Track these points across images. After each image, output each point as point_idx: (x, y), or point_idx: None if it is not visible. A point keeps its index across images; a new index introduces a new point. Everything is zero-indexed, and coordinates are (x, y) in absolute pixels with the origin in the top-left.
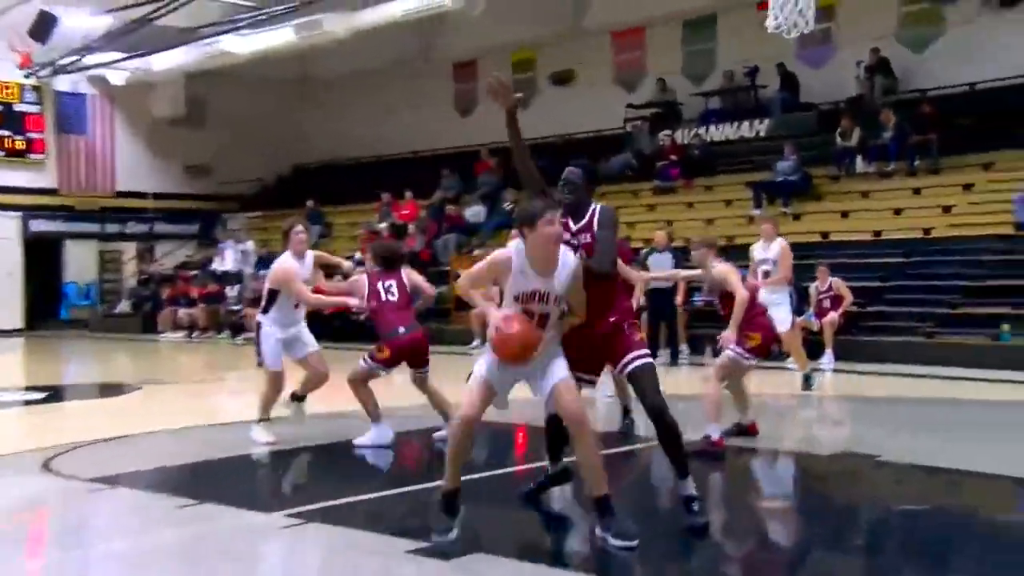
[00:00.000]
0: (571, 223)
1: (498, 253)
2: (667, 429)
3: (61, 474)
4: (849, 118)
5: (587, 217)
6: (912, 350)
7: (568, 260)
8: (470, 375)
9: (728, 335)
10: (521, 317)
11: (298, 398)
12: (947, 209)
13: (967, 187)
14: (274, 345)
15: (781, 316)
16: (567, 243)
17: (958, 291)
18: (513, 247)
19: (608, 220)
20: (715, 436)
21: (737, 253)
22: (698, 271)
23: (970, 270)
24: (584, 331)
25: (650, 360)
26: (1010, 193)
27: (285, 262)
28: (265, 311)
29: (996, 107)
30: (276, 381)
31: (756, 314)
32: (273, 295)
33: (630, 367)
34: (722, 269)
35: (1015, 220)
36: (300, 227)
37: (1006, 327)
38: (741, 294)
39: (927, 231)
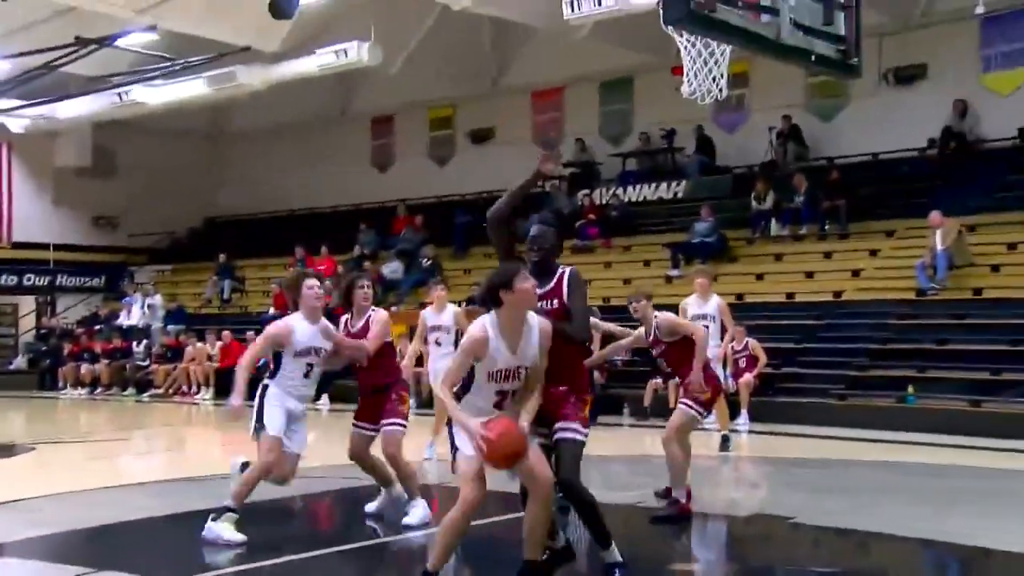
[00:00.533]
0: (537, 284)
1: (473, 335)
2: (581, 504)
3: None
4: (763, 182)
5: (554, 281)
6: (824, 412)
7: (534, 323)
8: (453, 457)
9: (696, 380)
10: (501, 422)
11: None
12: (856, 273)
13: (873, 252)
14: (280, 413)
15: (718, 371)
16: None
17: (866, 354)
18: (487, 322)
19: (579, 285)
20: (683, 500)
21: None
22: (633, 334)
23: (877, 333)
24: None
25: (579, 438)
26: (913, 260)
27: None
28: (273, 375)
29: (896, 177)
30: (271, 454)
31: (704, 367)
32: (278, 358)
33: (557, 435)
34: (669, 316)
35: (917, 286)
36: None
37: (911, 389)
38: (700, 332)
39: (837, 294)
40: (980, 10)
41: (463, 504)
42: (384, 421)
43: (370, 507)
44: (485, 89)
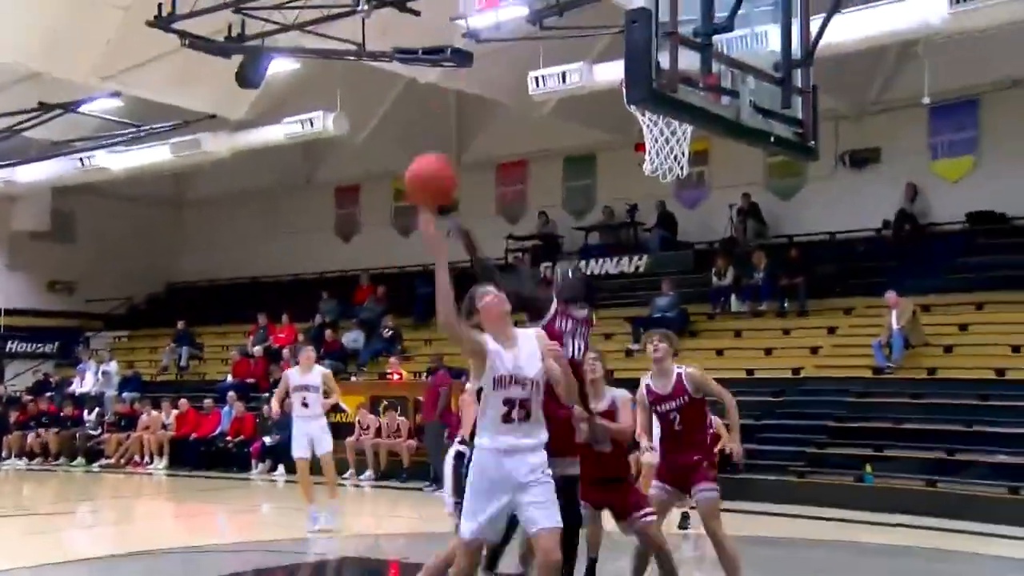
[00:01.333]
0: (573, 312)
1: (476, 337)
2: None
3: None
4: (724, 258)
5: (586, 313)
6: (784, 489)
7: (523, 334)
8: (457, 517)
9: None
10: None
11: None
12: (814, 350)
13: (831, 330)
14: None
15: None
16: (567, 331)
17: (825, 431)
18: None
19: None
20: None
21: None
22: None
23: (836, 411)
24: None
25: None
26: (870, 338)
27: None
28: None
29: (852, 256)
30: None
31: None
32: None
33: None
34: (697, 373)
35: (874, 364)
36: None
37: (869, 468)
38: (730, 397)
39: (796, 371)
40: (926, 100)
41: (453, 562)
42: None
43: None
44: (449, 160)
